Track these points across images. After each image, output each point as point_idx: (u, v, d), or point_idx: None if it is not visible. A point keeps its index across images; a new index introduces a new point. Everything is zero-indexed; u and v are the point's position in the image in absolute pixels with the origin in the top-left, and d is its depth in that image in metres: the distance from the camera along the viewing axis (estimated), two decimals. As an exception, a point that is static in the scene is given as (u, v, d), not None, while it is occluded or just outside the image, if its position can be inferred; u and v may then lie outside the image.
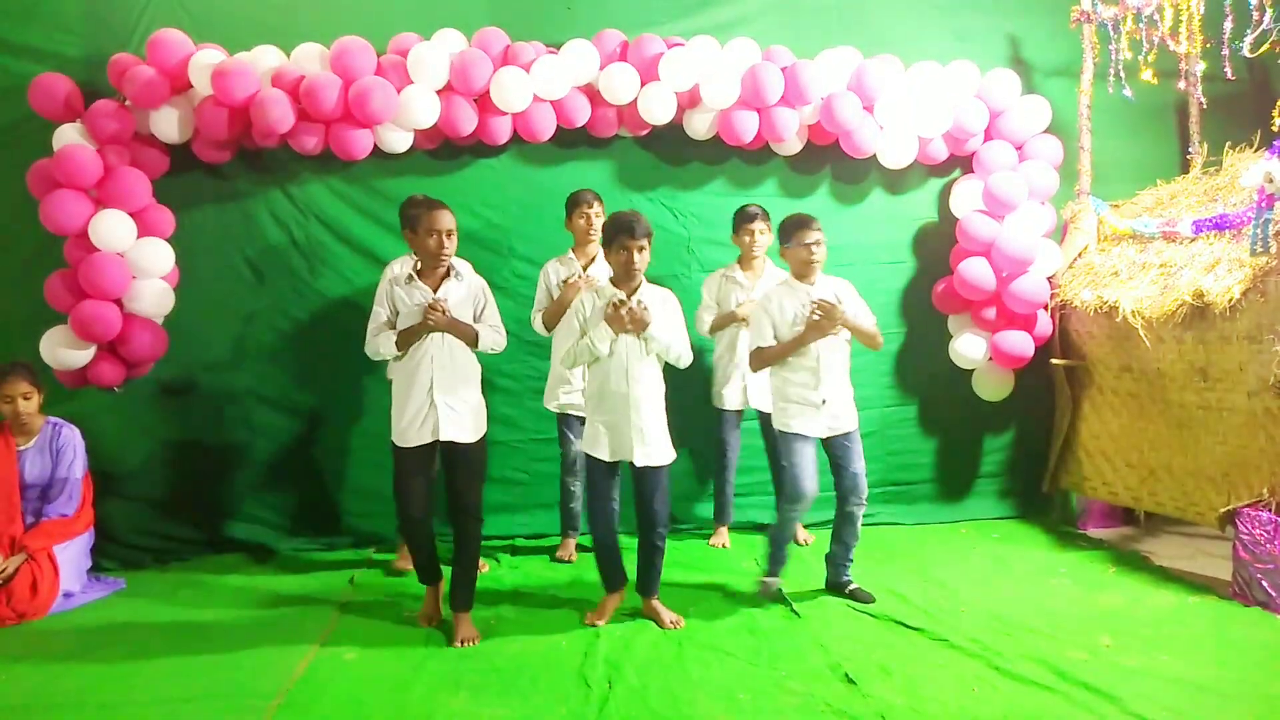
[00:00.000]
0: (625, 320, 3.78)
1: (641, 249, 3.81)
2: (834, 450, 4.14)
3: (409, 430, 3.84)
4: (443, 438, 3.83)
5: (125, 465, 5.02)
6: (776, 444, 4.31)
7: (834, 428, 4.09)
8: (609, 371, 3.86)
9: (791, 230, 4.12)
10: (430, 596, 4.04)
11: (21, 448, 4.37)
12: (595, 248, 4.65)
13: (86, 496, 4.52)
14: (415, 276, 3.86)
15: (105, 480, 4.80)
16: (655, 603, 4.00)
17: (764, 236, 4.77)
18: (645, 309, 3.79)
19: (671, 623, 3.91)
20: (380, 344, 3.85)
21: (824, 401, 4.04)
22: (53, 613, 4.21)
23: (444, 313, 3.78)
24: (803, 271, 4.11)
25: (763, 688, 3.30)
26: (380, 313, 3.88)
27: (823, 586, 4.29)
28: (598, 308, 3.86)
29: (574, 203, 4.67)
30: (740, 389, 4.86)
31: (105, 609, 4.30)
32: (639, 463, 3.86)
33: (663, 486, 3.91)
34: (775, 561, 4.26)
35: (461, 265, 4.13)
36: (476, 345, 3.93)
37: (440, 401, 3.83)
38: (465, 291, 3.91)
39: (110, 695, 3.35)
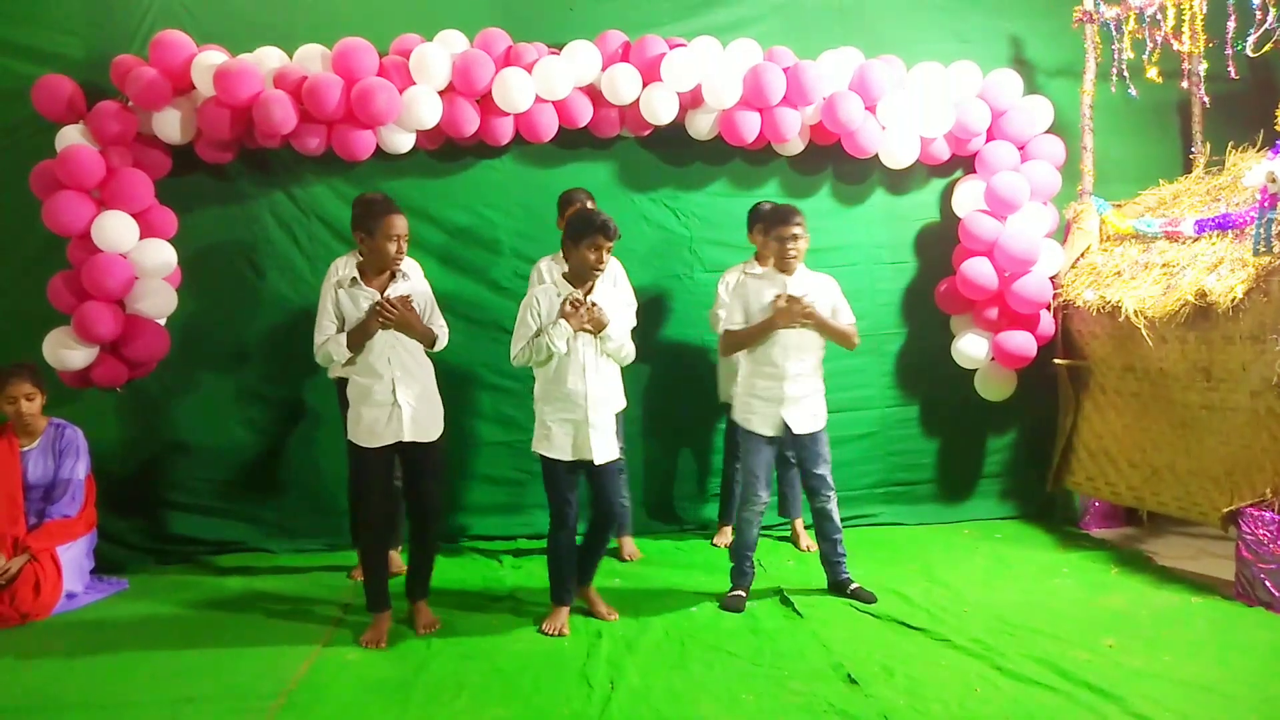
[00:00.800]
0: (583, 319, 3.78)
1: (610, 250, 3.83)
2: (799, 451, 4.15)
3: (373, 430, 3.81)
4: (407, 438, 3.81)
5: (128, 466, 5.03)
6: (790, 450, 4.30)
7: (798, 428, 4.08)
8: (566, 370, 3.84)
9: (771, 224, 4.12)
10: (380, 623, 3.86)
11: (24, 449, 4.38)
12: None
13: (89, 497, 4.52)
14: (358, 279, 3.80)
15: (108, 481, 4.80)
16: (593, 592, 4.07)
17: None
18: (601, 309, 3.80)
19: (606, 613, 3.98)
20: (331, 349, 3.76)
21: (785, 400, 4.04)
22: (56, 613, 4.21)
23: (394, 309, 3.71)
24: (781, 266, 4.11)
25: (765, 688, 3.30)
26: (326, 323, 3.79)
27: (824, 588, 4.28)
28: (554, 305, 3.84)
29: (566, 201, 4.67)
30: None
31: (108, 609, 4.31)
32: (599, 459, 3.85)
33: (624, 480, 3.95)
34: (736, 575, 4.22)
35: (410, 266, 4.05)
36: (433, 346, 3.90)
37: (404, 401, 3.80)
38: (410, 294, 3.84)
39: (113, 696, 3.35)
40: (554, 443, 3.87)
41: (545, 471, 3.95)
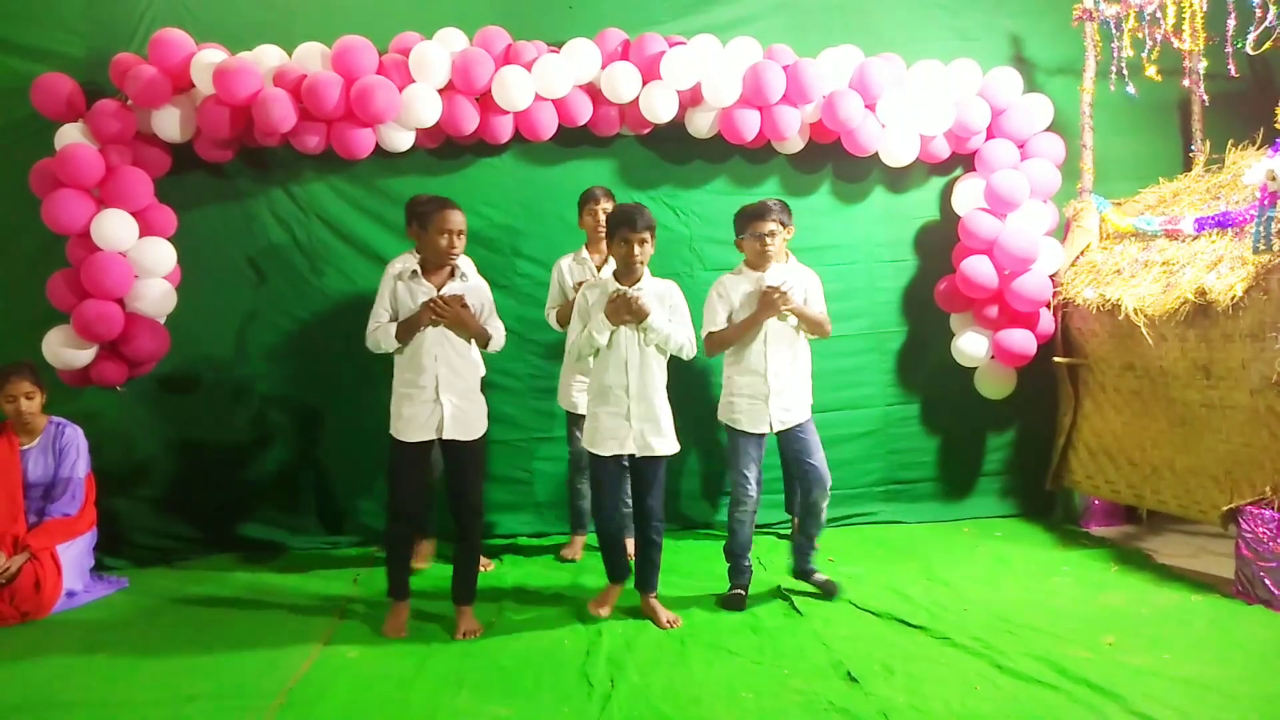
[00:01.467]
0: (623, 311, 3.79)
1: (643, 242, 3.81)
2: (789, 444, 4.14)
3: (411, 425, 3.84)
4: (447, 436, 3.84)
5: (127, 464, 5.03)
6: (780, 445, 4.29)
7: (784, 420, 4.08)
8: (609, 364, 3.88)
9: (745, 221, 4.12)
10: (399, 611, 3.92)
11: (24, 447, 4.38)
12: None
13: (89, 496, 4.52)
14: (419, 272, 3.86)
15: (107, 479, 4.80)
16: (653, 600, 4.00)
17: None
18: (641, 301, 3.80)
19: (669, 622, 3.89)
20: (380, 337, 3.85)
21: (769, 395, 4.05)
22: (56, 611, 4.21)
23: (447, 307, 3.76)
24: (756, 262, 4.11)
25: (766, 686, 3.30)
26: (381, 311, 3.88)
27: (790, 574, 4.27)
28: (599, 300, 3.87)
29: (584, 199, 4.66)
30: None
31: (108, 608, 4.31)
32: (637, 454, 3.87)
33: (659, 480, 3.93)
34: (733, 574, 4.21)
35: (466, 265, 4.11)
36: (486, 345, 3.94)
37: (446, 400, 3.83)
38: (467, 292, 3.90)
39: (113, 694, 3.35)
40: (597, 437, 3.92)
41: (592, 468, 4.04)
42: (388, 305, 3.87)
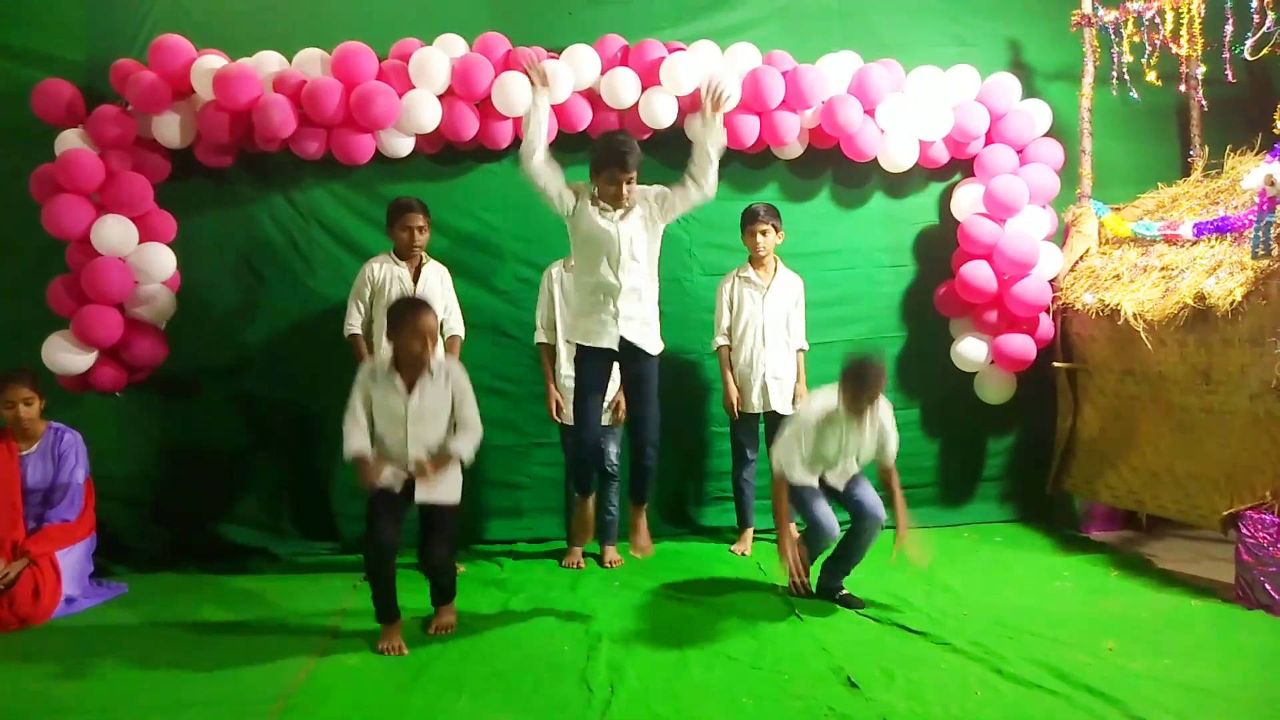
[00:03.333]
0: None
1: (631, 181, 3.77)
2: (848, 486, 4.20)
3: (384, 476, 3.82)
4: (418, 500, 3.82)
5: (127, 470, 5.03)
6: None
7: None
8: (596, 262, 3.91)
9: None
10: (391, 631, 3.79)
11: (23, 453, 4.37)
12: None
13: (88, 501, 4.51)
14: (394, 369, 3.81)
15: (107, 485, 4.80)
16: (642, 517, 4.05)
17: (768, 236, 4.81)
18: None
19: (639, 549, 4.03)
20: (350, 444, 3.79)
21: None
22: (55, 617, 4.20)
23: (419, 471, 3.78)
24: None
25: (765, 691, 3.29)
26: (356, 406, 3.83)
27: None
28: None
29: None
30: (760, 391, 4.85)
31: (107, 614, 4.30)
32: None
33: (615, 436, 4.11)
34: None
35: (439, 363, 3.96)
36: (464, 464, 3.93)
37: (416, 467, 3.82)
38: (443, 387, 3.86)
39: (112, 700, 3.35)
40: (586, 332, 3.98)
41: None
42: (362, 402, 3.82)
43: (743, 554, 4.92)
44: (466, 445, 3.88)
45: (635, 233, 3.89)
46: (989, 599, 4.16)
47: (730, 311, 4.90)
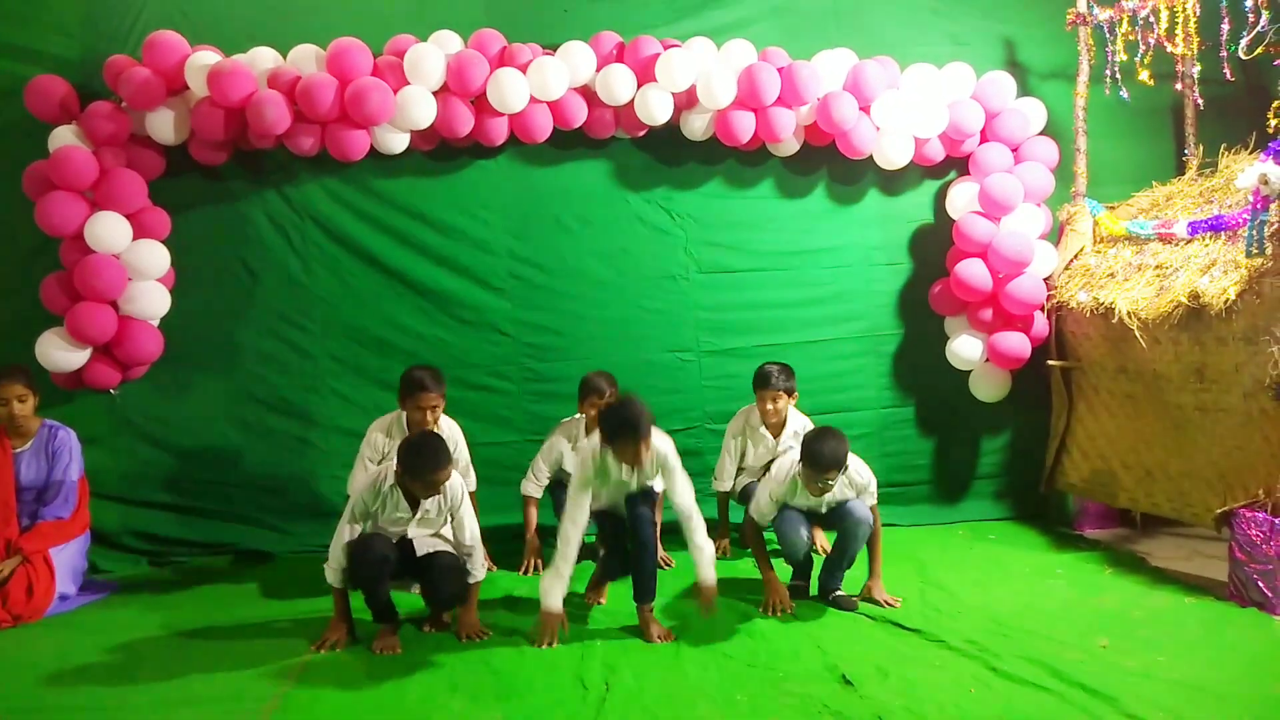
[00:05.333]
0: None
1: (638, 452, 3.70)
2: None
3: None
4: (420, 551, 3.87)
5: (121, 467, 5.02)
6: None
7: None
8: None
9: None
10: (384, 633, 3.77)
11: (17, 450, 4.36)
12: None
13: (82, 499, 4.50)
14: (399, 489, 3.75)
15: (101, 482, 4.79)
16: (648, 612, 3.88)
17: (779, 403, 4.62)
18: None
19: (659, 637, 3.78)
20: (331, 561, 3.74)
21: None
22: (48, 615, 4.20)
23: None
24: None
25: (760, 689, 3.30)
26: (354, 515, 3.76)
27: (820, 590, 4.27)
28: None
29: (586, 388, 4.57)
30: None
31: (101, 611, 4.29)
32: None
33: (651, 499, 4.00)
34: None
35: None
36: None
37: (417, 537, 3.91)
38: (444, 503, 3.84)
39: (106, 698, 3.34)
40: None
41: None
42: (360, 511, 3.76)
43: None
44: (478, 564, 3.93)
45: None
46: (983, 596, 4.17)
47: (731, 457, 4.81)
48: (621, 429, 3.67)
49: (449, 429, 4.42)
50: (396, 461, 3.71)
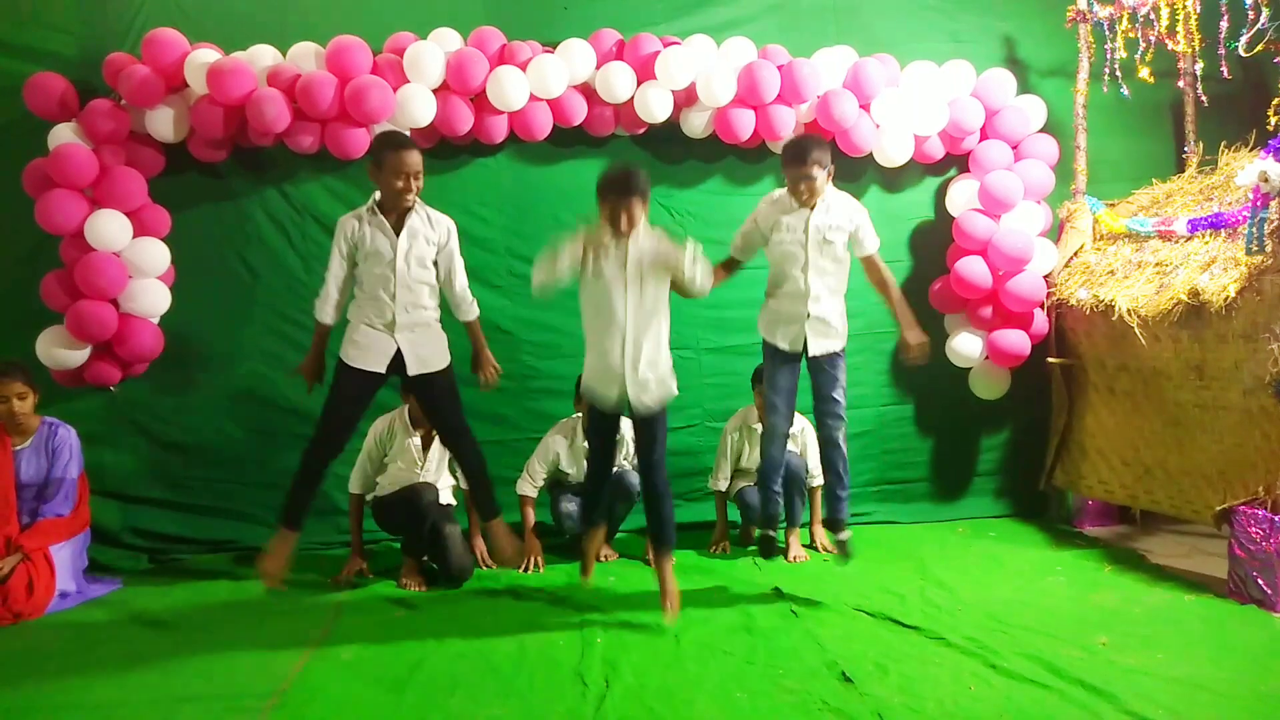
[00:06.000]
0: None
1: (632, 211, 3.58)
2: (816, 375, 4.11)
3: (363, 353, 3.88)
4: (411, 372, 3.88)
5: (121, 465, 5.02)
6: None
7: (824, 347, 4.04)
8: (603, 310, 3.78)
9: (785, 161, 3.98)
10: (280, 546, 3.85)
11: (17, 448, 4.36)
12: None
13: (82, 496, 4.50)
14: (377, 210, 3.80)
15: (101, 480, 4.80)
16: (667, 565, 3.90)
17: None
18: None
19: (671, 606, 3.84)
20: (317, 309, 3.90)
21: (809, 316, 4.00)
22: (49, 612, 4.20)
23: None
24: (797, 200, 3.98)
25: (760, 686, 3.30)
26: (336, 267, 3.84)
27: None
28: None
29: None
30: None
31: (101, 609, 4.29)
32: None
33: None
34: (763, 505, 4.23)
35: (439, 220, 3.96)
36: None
37: (403, 340, 3.87)
38: (432, 234, 3.85)
39: (106, 695, 3.34)
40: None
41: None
42: (344, 255, 3.83)
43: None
44: (472, 307, 4.05)
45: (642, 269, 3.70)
46: (983, 594, 4.17)
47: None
48: (613, 182, 3.56)
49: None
50: (369, 163, 3.80)
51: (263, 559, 3.82)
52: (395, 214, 3.85)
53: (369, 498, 4.64)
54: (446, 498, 4.60)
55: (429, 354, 3.94)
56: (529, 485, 4.75)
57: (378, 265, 3.84)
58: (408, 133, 4.84)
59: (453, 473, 4.63)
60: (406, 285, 3.86)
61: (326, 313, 3.94)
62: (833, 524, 4.26)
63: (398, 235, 3.84)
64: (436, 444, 4.52)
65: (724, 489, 4.89)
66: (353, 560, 4.54)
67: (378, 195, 3.86)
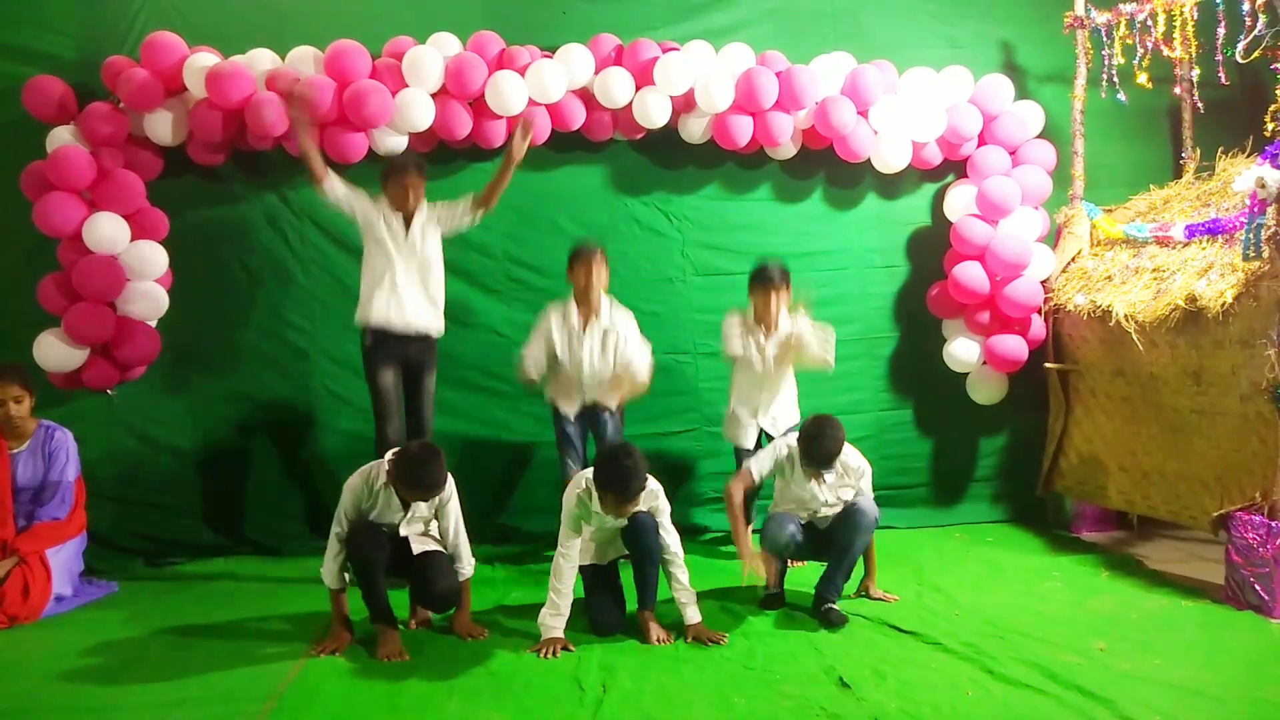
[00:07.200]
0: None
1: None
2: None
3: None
4: (415, 550, 3.82)
5: (118, 468, 5.01)
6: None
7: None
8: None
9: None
10: (389, 636, 3.69)
11: (13, 451, 4.35)
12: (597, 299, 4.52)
13: (79, 499, 4.48)
14: (392, 489, 3.70)
15: (97, 483, 4.78)
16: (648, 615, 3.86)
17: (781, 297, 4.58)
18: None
19: (659, 639, 3.76)
20: (328, 565, 3.73)
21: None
22: (45, 616, 4.18)
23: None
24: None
25: (757, 691, 3.29)
26: (345, 513, 3.74)
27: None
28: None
29: (575, 255, 4.52)
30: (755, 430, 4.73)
31: (97, 612, 4.28)
32: None
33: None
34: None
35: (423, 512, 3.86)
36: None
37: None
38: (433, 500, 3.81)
39: (102, 699, 3.33)
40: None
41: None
42: (352, 512, 3.75)
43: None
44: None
45: None
46: (980, 599, 4.17)
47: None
48: (611, 483, 3.62)
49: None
50: (393, 468, 3.66)
51: (381, 651, 3.64)
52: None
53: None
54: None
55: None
56: (531, 369, 4.56)
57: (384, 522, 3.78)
58: (405, 137, 4.87)
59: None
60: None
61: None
62: (819, 601, 4.03)
63: (406, 511, 3.78)
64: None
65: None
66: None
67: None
